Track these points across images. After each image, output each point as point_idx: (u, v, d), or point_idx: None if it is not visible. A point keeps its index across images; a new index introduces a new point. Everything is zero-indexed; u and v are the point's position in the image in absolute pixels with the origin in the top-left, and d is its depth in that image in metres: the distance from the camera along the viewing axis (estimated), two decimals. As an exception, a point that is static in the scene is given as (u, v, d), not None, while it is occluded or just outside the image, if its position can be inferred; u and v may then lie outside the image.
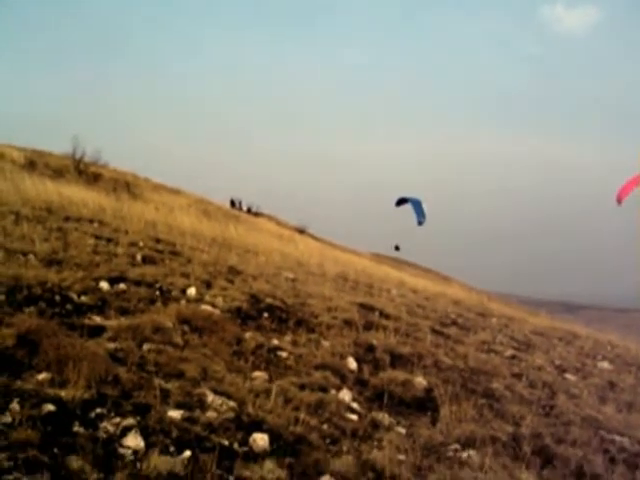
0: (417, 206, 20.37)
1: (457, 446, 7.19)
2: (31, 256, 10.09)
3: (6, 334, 6.57)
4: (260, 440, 5.91)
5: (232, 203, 61.84)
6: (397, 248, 21.44)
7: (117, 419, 5.55)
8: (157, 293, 10.05)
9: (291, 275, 15.52)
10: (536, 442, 7.78)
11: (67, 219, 14.78)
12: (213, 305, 10.10)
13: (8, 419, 5.11)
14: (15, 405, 5.30)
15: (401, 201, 20.69)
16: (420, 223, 20.40)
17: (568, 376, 11.91)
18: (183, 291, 10.49)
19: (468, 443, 7.29)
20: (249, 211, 61.98)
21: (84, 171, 34.27)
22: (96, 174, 35.43)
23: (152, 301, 9.54)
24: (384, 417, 7.67)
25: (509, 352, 13.01)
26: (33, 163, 31.54)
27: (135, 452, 5.17)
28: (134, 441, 5.25)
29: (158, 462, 5.03)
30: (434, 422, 7.91)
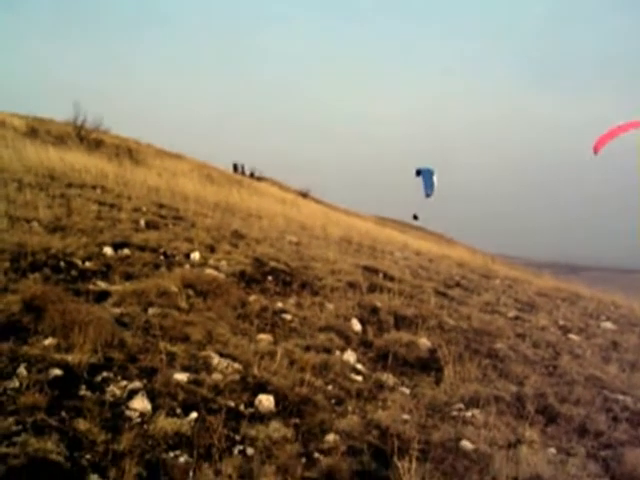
0: (427, 177, 20.27)
1: (461, 405, 7.26)
2: (35, 223, 10.10)
3: (12, 300, 6.62)
4: (266, 401, 5.98)
5: (235, 168, 61.47)
6: (415, 217, 21.32)
7: (123, 382, 5.62)
8: (161, 258, 10.07)
9: (295, 239, 15.52)
10: (540, 401, 7.84)
11: (70, 186, 14.74)
12: (217, 269, 10.12)
13: (16, 384, 5.17)
14: (22, 370, 5.36)
15: (419, 172, 20.58)
16: (428, 195, 20.30)
17: (572, 336, 11.95)
18: (187, 256, 10.51)
19: (472, 402, 7.36)
20: (252, 175, 61.61)
21: (86, 137, 34.08)
22: (98, 140, 35.22)
23: (156, 266, 9.56)
24: (388, 378, 7.73)
25: (513, 313, 13.05)
26: (35, 130, 31.37)
27: (142, 414, 5.23)
28: (141, 404, 5.31)
29: (165, 424, 5.10)
30: (438, 382, 7.97)
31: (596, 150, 17.51)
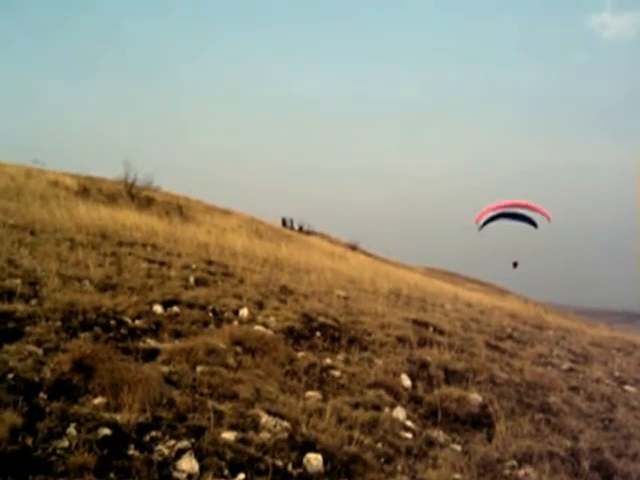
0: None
1: (514, 462, 7.10)
2: (86, 282, 10.24)
3: (62, 360, 6.67)
4: (314, 460, 5.91)
5: (283, 222, 62.13)
6: (515, 265, 21.43)
7: (172, 442, 5.60)
8: (210, 315, 10.11)
9: (343, 293, 15.48)
10: (595, 457, 7.65)
11: (121, 244, 14.96)
12: (265, 325, 10.12)
13: (65, 444, 5.19)
14: (72, 430, 5.39)
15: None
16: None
17: (628, 388, 11.68)
18: (236, 312, 10.53)
19: (525, 459, 7.20)
20: (301, 229, 62.15)
21: (136, 195, 34.74)
22: (149, 198, 35.90)
23: (205, 323, 9.60)
24: (439, 434, 7.61)
25: (566, 365, 12.82)
26: (86, 189, 32.07)
27: (190, 475, 5.21)
28: (188, 464, 5.29)
29: (212, 485, 5.06)
30: (490, 438, 7.82)
31: (477, 221, 19.16)
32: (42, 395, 5.96)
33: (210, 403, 6.52)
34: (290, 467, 5.80)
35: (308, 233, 60.51)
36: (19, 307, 8.19)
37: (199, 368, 7.57)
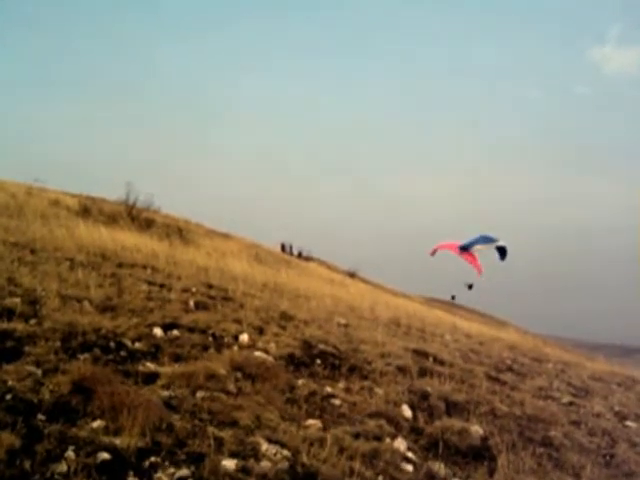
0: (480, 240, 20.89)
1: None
2: (86, 302, 10.17)
3: (61, 381, 6.60)
4: (315, 494, 5.80)
5: (283, 247, 62.08)
6: (470, 287, 21.43)
7: (171, 469, 5.50)
8: (210, 339, 10.04)
9: (343, 320, 15.41)
10: (597, 496, 7.56)
11: (121, 265, 14.93)
12: (266, 351, 10.03)
13: (64, 468, 5.10)
14: (70, 453, 5.30)
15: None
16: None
17: (629, 423, 11.59)
18: (236, 337, 10.46)
19: (528, 497, 7.11)
20: (300, 255, 62.11)
21: (137, 217, 34.60)
22: (149, 220, 35.71)
23: (205, 347, 9.52)
24: (440, 467, 7.49)
25: (567, 398, 12.73)
26: (87, 209, 31.94)
27: (189, 505, 5.11)
28: (188, 494, 5.19)
29: (212, 515, 4.97)
30: (491, 473, 7.72)
31: (432, 253, 20.17)
32: (41, 416, 5.88)
33: (210, 429, 6.44)
34: (292, 500, 5.70)
35: (307, 259, 60.49)
36: (18, 326, 8.13)
37: (199, 393, 7.49)
